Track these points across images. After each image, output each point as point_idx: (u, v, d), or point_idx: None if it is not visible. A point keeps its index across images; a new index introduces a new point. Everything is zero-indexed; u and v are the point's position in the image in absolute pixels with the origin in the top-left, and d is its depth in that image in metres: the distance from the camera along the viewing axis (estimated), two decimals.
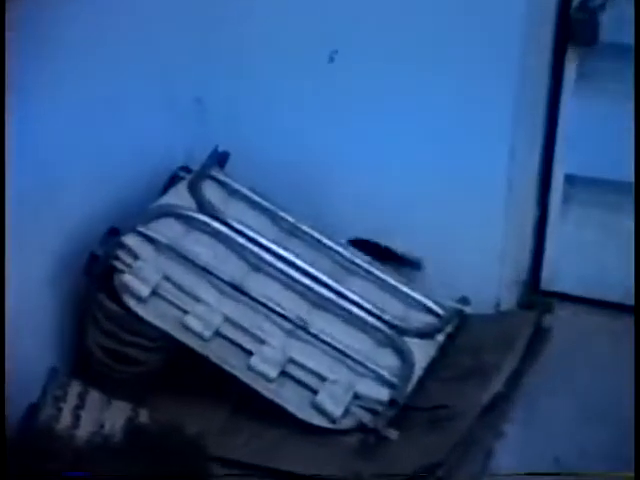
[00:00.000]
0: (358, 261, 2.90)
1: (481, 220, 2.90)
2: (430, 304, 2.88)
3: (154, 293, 2.63)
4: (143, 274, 2.63)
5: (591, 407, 2.68)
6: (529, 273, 3.08)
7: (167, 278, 2.66)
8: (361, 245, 2.94)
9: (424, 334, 2.82)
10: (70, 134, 2.54)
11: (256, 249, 2.77)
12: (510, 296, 3.03)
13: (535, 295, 3.09)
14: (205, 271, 2.69)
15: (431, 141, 2.85)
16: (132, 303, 2.62)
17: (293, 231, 2.88)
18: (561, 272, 3.06)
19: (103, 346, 2.65)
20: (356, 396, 2.63)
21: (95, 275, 2.63)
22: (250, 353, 2.63)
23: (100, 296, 2.63)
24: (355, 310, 2.77)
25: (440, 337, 2.84)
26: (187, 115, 2.91)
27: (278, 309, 2.70)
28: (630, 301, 2.88)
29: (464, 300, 2.93)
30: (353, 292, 2.80)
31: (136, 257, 2.64)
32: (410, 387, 2.67)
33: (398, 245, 2.98)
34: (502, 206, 2.89)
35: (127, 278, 2.62)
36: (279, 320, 2.69)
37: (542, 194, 3.01)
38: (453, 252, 2.93)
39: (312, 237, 2.88)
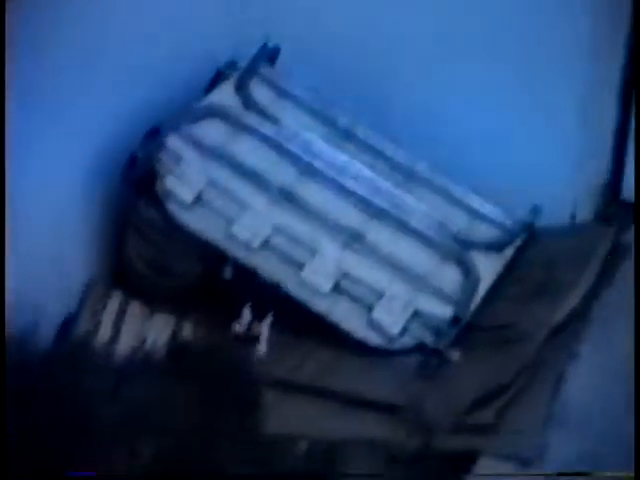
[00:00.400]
0: (419, 169, 2.71)
1: (555, 118, 2.70)
2: (497, 215, 2.70)
3: (198, 199, 2.51)
4: (187, 179, 2.51)
5: None
6: (609, 179, 2.87)
7: (212, 184, 2.53)
8: None
9: (490, 247, 2.64)
10: (105, 23, 2.38)
11: (308, 154, 2.61)
12: (587, 206, 2.84)
13: (614, 205, 2.88)
14: (253, 177, 2.55)
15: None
16: (175, 210, 2.49)
17: (349, 135, 2.70)
18: None
19: (144, 256, 2.53)
20: (415, 313, 2.50)
21: (134, 180, 2.50)
22: (302, 265, 2.51)
23: (140, 202, 2.51)
24: (415, 221, 2.61)
25: (508, 251, 2.66)
26: (233, 2, 2.70)
27: (332, 219, 2.55)
28: None
29: (535, 210, 2.72)
30: (413, 202, 2.63)
31: (179, 160, 2.51)
32: (474, 304, 2.52)
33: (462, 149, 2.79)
34: (579, 101, 2.70)
35: (170, 183, 2.50)
36: (333, 231, 2.55)
37: (626, 88, 2.77)
38: (523, 155, 2.74)
39: (369, 142, 2.70)
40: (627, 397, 2.33)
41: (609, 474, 1.79)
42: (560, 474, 1.89)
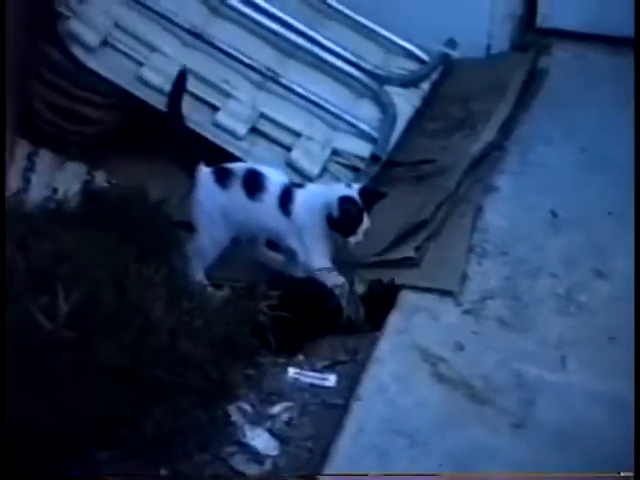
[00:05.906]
0: (333, 3, 2.65)
1: None
2: (413, 48, 2.66)
3: (105, 43, 2.41)
4: (91, 20, 2.40)
5: (592, 154, 2.50)
6: (524, 7, 2.83)
7: (119, 25, 2.43)
8: None
9: (407, 82, 2.61)
10: None
11: None
12: (502, 36, 2.80)
13: (530, 33, 2.84)
14: (162, 17, 2.45)
15: None
16: (80, 54, 2.39)
17: None
18: (559, 6, 2.80)
19: (51, 103, 2.44)
20: (334, 152, 2.45)
21: (35, 19, 2.39)
22: (216, 108, 2.44)
23: (43, 45, 2.41)
24: (330, 58, 2.54)
25: (425, 85, 2.63)
26: None
27: (244, 59, 2.47)
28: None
29: (451, 43, 2.70)
30: (328, 38, 2.56)
31: (82, 0, 2.41)
32: (393, 141, 2.49)
33: None
34: None
35: (73, 24, 2.39)
36: (246, 71, 2.47)
37: None
38: None
39: None
40: (545, 223, 2.37)
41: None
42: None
